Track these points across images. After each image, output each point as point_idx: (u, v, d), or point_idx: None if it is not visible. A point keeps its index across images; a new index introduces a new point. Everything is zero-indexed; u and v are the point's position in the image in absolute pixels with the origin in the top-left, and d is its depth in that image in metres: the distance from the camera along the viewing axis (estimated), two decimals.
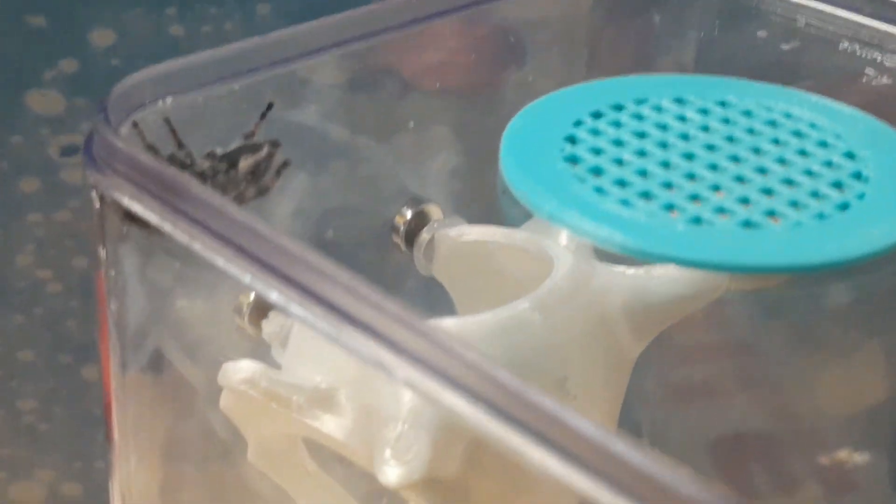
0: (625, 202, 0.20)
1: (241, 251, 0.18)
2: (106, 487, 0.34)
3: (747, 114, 0.22)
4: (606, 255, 0.21)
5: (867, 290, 0.23)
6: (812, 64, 0.26)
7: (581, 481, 0.15)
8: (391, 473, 0.20)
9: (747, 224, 0.19)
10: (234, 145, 0.22)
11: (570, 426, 0.15)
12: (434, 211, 0.27)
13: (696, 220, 0.19)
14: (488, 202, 0.26)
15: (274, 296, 0.18)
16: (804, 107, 0.22)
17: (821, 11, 0.26)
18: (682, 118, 0.22)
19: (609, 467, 0.15)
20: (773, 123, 0.22)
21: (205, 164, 0.21)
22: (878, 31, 0.25)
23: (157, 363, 0.24)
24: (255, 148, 0.22)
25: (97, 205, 0.20)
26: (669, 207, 0.20)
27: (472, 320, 0.22)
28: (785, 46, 0.26)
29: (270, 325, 0.23)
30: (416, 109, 0.28)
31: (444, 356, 0.16)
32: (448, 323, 0.22)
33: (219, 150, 0.22)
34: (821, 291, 0.22)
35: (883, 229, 0.19)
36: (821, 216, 0.20)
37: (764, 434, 0.31)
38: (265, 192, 0.23)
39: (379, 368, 0.17)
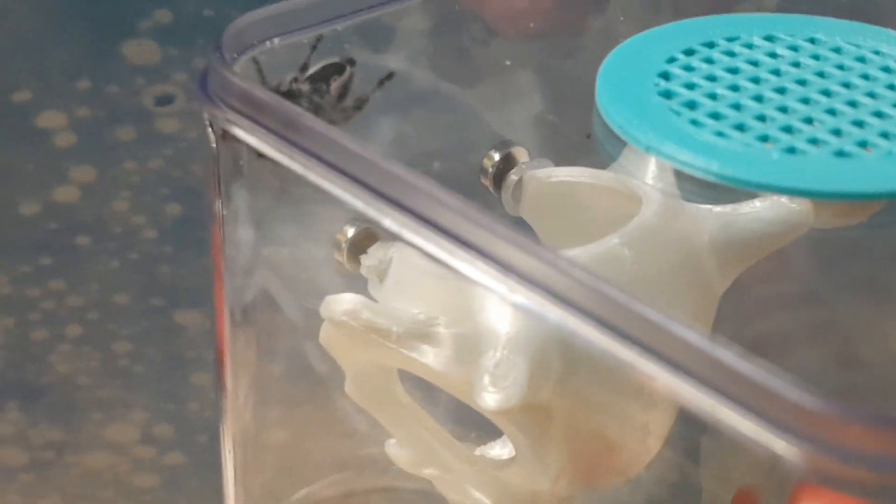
0: (720, 133, 0.20)
1: (355, 180, 0.19)
2: (198, 428, 0.35)
3: (836, 50, 0.23)
4: (694, 194, 0.22)
5: None
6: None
7: (689, 389, 0.15)
8: (490, 399, 0.20)
9: (840, 154, 0.20)
10: (314, 69, 0.23)
11: (678, 335, 0.16)
12: (521, 153, 0.28)
13: (791, 150, 0.20)
14: (575, 145, 0.27)
15: (388, 222, 0.19)
16: (892, 44, 0.23)
17: None
18: (773, 54, 0.23)
19: (717, 374, 0.16)
20: (862, 59, 0.23)
21: (304, 87, 0.23)
22: None
23: (263, 303, 0.25)
24: (339, 68, 0.23)
25: (213, 141, 0.22)
26: (764, 138, 0.20)
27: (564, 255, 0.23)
28: None
29: (370, 260, 0.24)
30: (501, 55, 0.29)
31: (554, 273, 0.17)
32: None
33: (303, 75, 0.23)
34: None
35: None
36: None
37: (840, 387, 0.32)
38: (365, 102, 0.24)
39: (489, 288, 0.18)
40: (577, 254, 0.22)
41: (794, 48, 0.23)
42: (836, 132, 0.21)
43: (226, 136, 0.21)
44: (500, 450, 0.29)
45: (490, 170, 0.27)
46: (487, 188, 0.27)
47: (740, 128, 0.21)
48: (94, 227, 0.33)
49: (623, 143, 0.22)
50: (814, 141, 0.20)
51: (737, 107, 0.21)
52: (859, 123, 0.21)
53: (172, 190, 0.34)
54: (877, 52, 0.23)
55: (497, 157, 0.27)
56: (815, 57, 0.23)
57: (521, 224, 0.27)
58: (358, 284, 0.25)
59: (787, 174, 0.19)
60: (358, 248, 0.25)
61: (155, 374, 0.36)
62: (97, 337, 0.35)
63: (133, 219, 0.34)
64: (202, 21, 0.32)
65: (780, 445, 0.15)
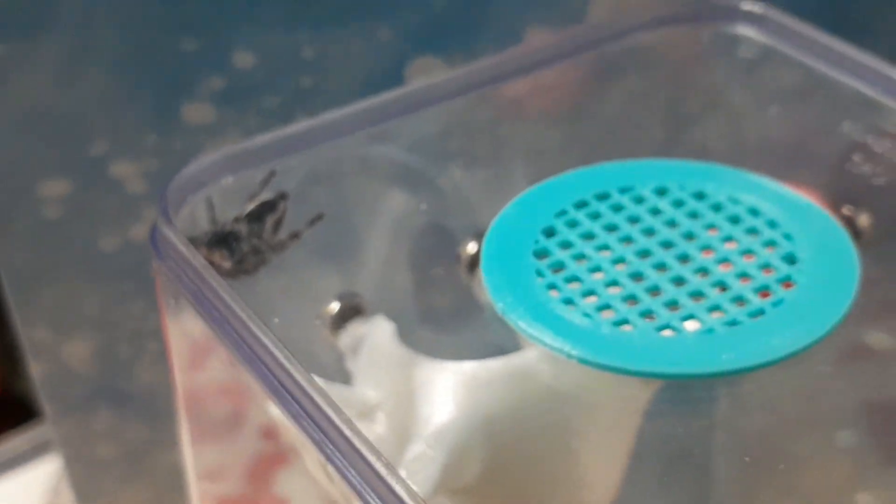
0: (568, 300, 0.25)
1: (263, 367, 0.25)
2: None
3: (716, 207, 0.27)
4: None
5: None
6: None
7: None
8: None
9: (665, 328, 0.24)
10: (251, 206, 0.28)
11: None
12: None
13: (623, 322, 0.24)
14: None
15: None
16: (772, 201, 0.27)
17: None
18: (656, 210, 0.27)
19: None
20: (734, 219, 0.26)
21: (243, 228, 0.28)
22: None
23: None
24: (272, 205, 0.29)
25: (164, 289, 0.27)
26: (605, 307, 0.25)
27: (487, 365, 0.28)
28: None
29: (345, 338, 0.30)
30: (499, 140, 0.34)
31: None
32: (468, 366, 0.28)
33: (241, 214, 0.28)
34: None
35: (781, 341, 0.24)
36: (733, 322, 0.24)
37: None
38: (297, 237, 0.29)
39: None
40: (497, 364, 0.27)
41: (679, 203, 0.27)
42: (673, 304, 0.25)
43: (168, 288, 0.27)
44: None
45: (464, 259, 0.32)
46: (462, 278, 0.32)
47: (589, 294, 0.25)
48: None
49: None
50: (648, 312, 0.25)
51: (596, 269, 0.25)
52: (698, 294, 0.25)
53: None
54: (752, 211, 0.27)
55: (473, 247, 0.32)
56: (693, 214, 0.27)
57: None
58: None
59: (607, 350, 0.24)
60: (338, 323, 0.30)
61: None
62: None
63: None
64: (253, 85, 0.37)
65: None
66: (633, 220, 0.26)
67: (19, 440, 0.52)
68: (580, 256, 0.25)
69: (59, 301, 0.39)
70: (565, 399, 0.27)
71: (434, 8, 0.36)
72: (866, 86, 0.29)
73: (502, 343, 0.30)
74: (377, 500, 0.21)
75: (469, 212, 0.32)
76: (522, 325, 0.24)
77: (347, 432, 0.22)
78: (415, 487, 0.23)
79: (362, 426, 0.25)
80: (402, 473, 0.24)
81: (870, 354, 0.31)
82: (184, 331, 0.28)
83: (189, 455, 0.30)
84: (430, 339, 0.30)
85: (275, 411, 0.26)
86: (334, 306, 0.30)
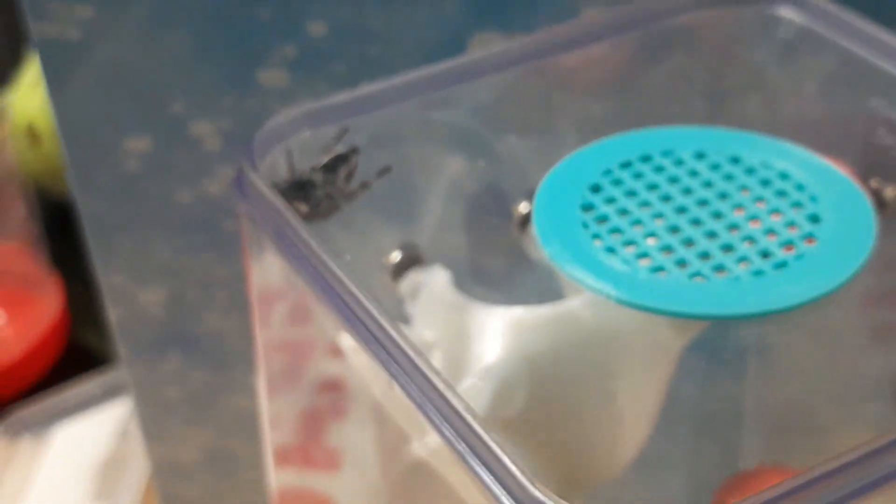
0: (611, 249, 0.28)
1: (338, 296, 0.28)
2: None
3: (749, 171, 0.30)
4: None
5: None
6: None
7: None
8: None
9: (696, 275, 0.27)
10: (326, 158, 0.31)
11: None
12: None
13: (658, 269, 0.28)
14: None
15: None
16: (800, 166, 0.30)
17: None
18: (694, 172, 0.30)
19: None
20: (765, 182, 0.29)
21: (318, 178, 0.31)
22: None
23: None
24: (344, 158, 0.32)
25: (247, 231, 0.31)
26: (642, 256, 0.28)
27: (534, 310, 0.31)
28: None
29: (405, 284, 0.33)
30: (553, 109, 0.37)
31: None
32: (516, 311, 0.31)
33: (317, 164, 0.31)
34: None
35: (799, 290, 0.27)
36: (758, 272, 0.27)
37: None
38: (368, 187, 0.32)
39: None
40: (544, 310, 0.30)
41: (716, 166, 0.30)
42: (705, 254, 0.28)
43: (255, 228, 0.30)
44: None
45: (517, 217, 0.35)
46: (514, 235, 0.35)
47: (629, 244, 0.28)
48: (237, 214, 0.43)
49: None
50: (682, 262, 0.28)
51: (636, 223, 0.28)
52: (728, 247, 0.28)
53: None
54: (783, 175, 0.30)
55: (525, 206, 0.35)
56: (728, 177, 0.30)
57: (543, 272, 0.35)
58: None
59: (643, 293, 0.27)
60: (399, 271, 0.33)
61: None
62: (240, 300, 0.44)
63: None
64: (323, 53, 0.40)
65: None
66: (673, 180, 0.29)
67: (89, 386, 0.56)
68: (623, 211, 0.28)
69: (135, 250, 0.42)
70: (603, 343, 0.30)
71: None
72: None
73: (548, 296, 0.33)
74: (438, 415, 0.24)
75: (521, 175, 0.35)
76: (568, 269, 0.27)
77: (413, 356, 0.25)
78: None
79: None
80: None
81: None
82: (264, 270, 0.31)
83: (263, 396, 0.33)
84: (483, 290, 0.33)
85: (346, 342, 0.29)
86: (396, 255, 0.33)
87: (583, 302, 0.30)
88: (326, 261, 0.27)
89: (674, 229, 0.28)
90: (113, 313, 0.42)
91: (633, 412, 0.31)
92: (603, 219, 0.28)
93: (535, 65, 0.35)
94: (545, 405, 0.30)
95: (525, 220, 0.34)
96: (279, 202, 0.28)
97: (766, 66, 0.34)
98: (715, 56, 0.35)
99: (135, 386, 0.44)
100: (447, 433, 0.24)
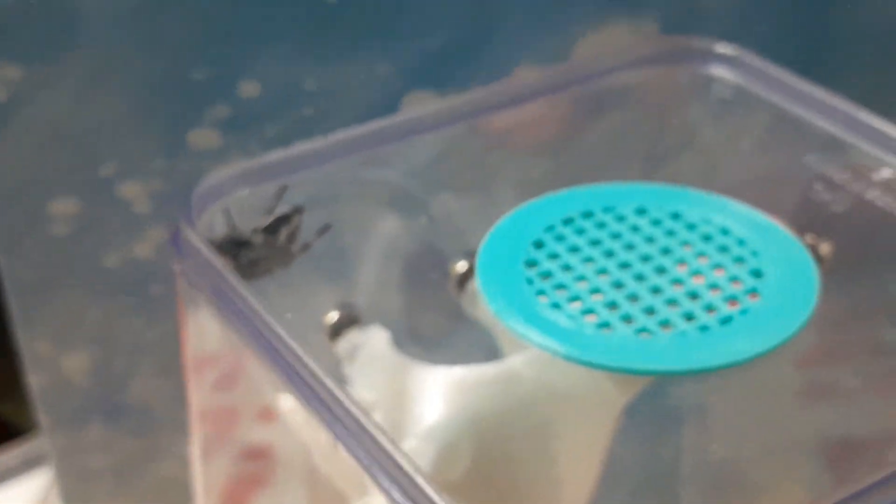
0: (556, 305, 0.28)
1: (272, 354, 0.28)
2: None
3: (690, 227, 0.30)
4: None
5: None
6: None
7: None
8: None
9: (642, 331, 0.27)
10: (268, 221, 0.31)
11: None
12: None
13: (605, 325, 0.28)
14: None
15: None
16: (740, 222, 0.30)
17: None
18: (636, 228, 0.30)
19: None
20: (707, 237, 0.29)
21: (258, 239, 0.31)
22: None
23: None
24: (287, 218, 0.32)
25: (183, 291, 0.30)
26: (588, 312, 0.28)
27: (476, 369, 0.31)
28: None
29: (343, 345, 0.33)
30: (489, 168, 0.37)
31: None
32: (458, 370, 0.31)
33: (258, 226, 0.31)
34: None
35: (746, 345, 0.27)
36: (704, 328, 0.28)
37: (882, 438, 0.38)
38: (308, 249, 0.32)
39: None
40: (487, 369, 0.30)
41: (657, 222, 0.30)
42: (650, 310, 0.28)
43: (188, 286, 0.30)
44: None
45: (455, 276, 0.34)
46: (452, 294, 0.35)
47: (574, 299, 0.28)
48: (167, 277, 0.42)
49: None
50: (627, 318, 0.28)
51: (580, 279, 0.28)
52: (673, 301, 0.28)
53: None
54: (724, 231, 0.30)
55: (463, 265, 0.35)
56: (670, 233, 0.30)
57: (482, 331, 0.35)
58: None
59: (591, 349, 0.27)
60: (337, 332, 0.33)
61: None
62: (168, 366, 0.43)
63: None
64: (256, 115, 0.40)
65: None
66: (615, 236, 0.29)
67: (5, 457, 0.55)
68: (567, 267, 0.28)
69: (60, 315, 0.42)
70: (547, 401, 0.30)
71: (431, 46, 0.39)
72: (831, 123, 0.32)
73: (487, 355, 0.33)
74: (386, 476, 0.24)
75: (459, 234, 0.35)
76: (513, 325, 0.27)
77: (359, 415, 0.25)
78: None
79: None
80: None
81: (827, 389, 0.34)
82: (199, 331, 0.30)
83: (197, 464, 0.33)
84: (421, 350, 0.33)
85: (285, 403, 0.29)
86: (333, 315, 0.33)
87: (525, 360, 0.30)
88: (267, 319, 0.26)
89: (618, 285, 0.28)
90: (34, 381, 0.41)
91: (576, 471, 0.31)
92: (547, 275, 0.28)
93: (470, 124, 0.35)
94: (488, 465, 0.30)
95: (464, 278, 0.34)
96: (217, 259, 0.28)
97: (702, 125, 0.35)
98: (651, 115, 0.35)
99: (56, 456, 0.43)
100: (396, 495, 0.23)
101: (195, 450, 0.32)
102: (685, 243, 0.29)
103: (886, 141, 0.31)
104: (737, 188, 0.31)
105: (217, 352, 0.31)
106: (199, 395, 0.31)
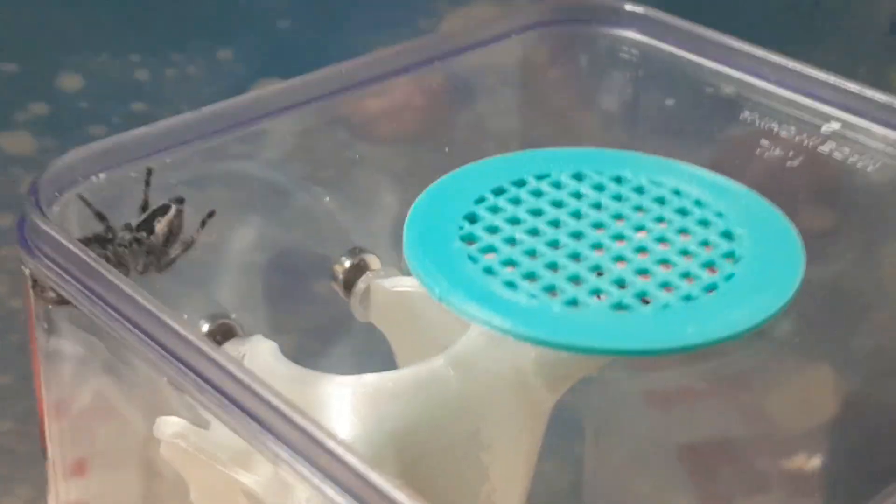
0: (510, 284, 0.23)
1: (149, 337, 0.22)
2: None
3: (638, 190, 0.26)
4: None
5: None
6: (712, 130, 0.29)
7: None
8: None
9: (619, 306, 0.23)
10: (144, 215, 0.26)
11: None
12: (373, 261, 0.30)
13: (573, 303, 0.23)
14: None
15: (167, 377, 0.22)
16: (693, 183, 0.26)
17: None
18: (578, 194, 0.26)
19: None
20: (661, 200, 0.25)
21: (126, 237, 0.25)
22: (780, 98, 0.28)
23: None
24: (164, 209, 0.26)
25: (29, 284, 0.24)
26: (550, 289, 0.23)
27: (390, 376, 0.26)
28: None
29: None
30: (361, 160, 0.32)
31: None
32: (369, 378, 0.25)
33: (133, 222, 0.25)
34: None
35: (743, 313, 0.23)
36: (688, 297, 0.23)
37: (732, 439, 0.35)
38: (190, 245, 0.26)
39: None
40: (404, 374, 0.25)
41: (600, 187, 0.26)
42: (620, 282, 0.23)
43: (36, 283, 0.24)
44: None
45: (340, 276, 0.29)
46: (339, 294, 0.30)
47: (531, 276, 0.23)
48: None
49: None
50: (597, 292, 0.23)
51: (532, 253, 0.24)
52: (644, 271, 0.23)
53: None
54: (676, 192, 0.26)
55: (347, 263, 0.30)
56: (617, 198, 0.25)
57: (372, 331, 0.30)
58: None
59: (564, 329, 0.22)
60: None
61: (39, 451, 0.38)
62: None
63: (11, 302, 0.37)
64: (79, 113, 0.34)
65: None
66: (557, 204, 0.25)
67: None
68: (511, 241, 0.24)
69: None
70: (473, 406, 0.25)
71: (277, 31, 0.34)
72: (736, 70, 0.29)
73: (385, 361, 0.28)
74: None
75: (338, 230, 0.31)
76: (467, 310, 0.22)
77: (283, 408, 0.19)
78: None
79: (244, 474, 0.24)
80: None
81: None
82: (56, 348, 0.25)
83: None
84: (312, 361, 0.28)
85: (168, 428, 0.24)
86: (203, 326, 0.27)
87: (447, 361, 0.25)
88: (148, 307, 0.21)
89: (576, 256, 0.24)
90: None
91: (509, 479, 0.26)
92: (490, 250, 0.24)
93: (330, 111, 0.30)
94: (415, 484, 0.25)
95: (349, 277, 0.29)
96: (82, 250, 0.22)
97: (610, 85, 0.31)
98: (558, 82, 0.31)
99: None
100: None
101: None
102: (638, 208, 0.25)
103: (809, 86, 0.28)
104: (667, 150, 0.27)
105: (78, 374, 0.25)
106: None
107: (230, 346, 0.27)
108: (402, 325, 0.29)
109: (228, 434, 0.24)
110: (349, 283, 0.30)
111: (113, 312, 0.22)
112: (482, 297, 0.23)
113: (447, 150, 0.30)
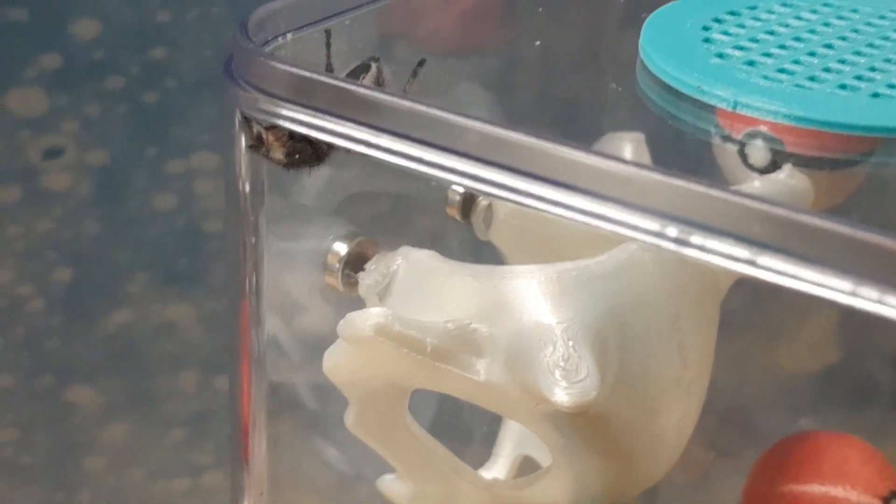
0: (766, 77, 0.22)
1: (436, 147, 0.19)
2: None
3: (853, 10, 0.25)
4: None
5: None
6: None
7: None
8: (565, 395, 0.20)
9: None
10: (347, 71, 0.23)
11: None
12: None
13: (843, 87, 0.22)
14: None
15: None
16: None
17: None
18: (814, 10, 0.25)
19: None
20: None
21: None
22: None
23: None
24: (365, 68, 0.23)
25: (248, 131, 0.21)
26: (812, 78, 0.22)
27: (590, 262, 0.23)
28: None
29: (369, 278, 0.23)
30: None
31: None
32: (564, 266, 0.22)
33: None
34: None
35: None
36: None
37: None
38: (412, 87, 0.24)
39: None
40: (602, 260, 0.22)
41: (813, 10, 0.25)
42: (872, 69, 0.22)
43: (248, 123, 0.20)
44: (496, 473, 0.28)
45: (458, 197, 0.26)
46: (454, 217, 0.27)
47: (784, 71, 0.22)
48: None
49: (670, 93, 0.22)
50: (859, 78, 0.22)
51: (782, 47, 0.22)
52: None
53: (61, 254, 0.32)
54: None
55: None
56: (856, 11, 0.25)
57: (490, 249, 0.26)
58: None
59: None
60: (354, 267, 0.24)
61: (43, 463, 0.33)
62: None
63: (18, 289, 0.32)
64: (94, 64, 0.31)
65: None
66: (797, 17, 0.25)
67: None
68: (755, 40, 0.23)
69: None
70: (672, 289, 0.23)
71: None
72: None
73: None
74: None
75: None
76: (762, 106, 0.21)
77: None
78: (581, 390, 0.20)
79: (460, 357, 0.21)
80: (558, 375, 0.20)
81: None
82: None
83: None
84: None
85: None
86: (340, 247, 0.24)
87: (640, 245, 0.23)
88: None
89: (828, 47, 0.22)
90: None
91: (702, 365, 0.24)
92: (741, 49, 0.22)
93: None
94: (629, 367, 0.23)
95: (467, 201, 0.27)
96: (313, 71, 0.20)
97: None
98: None
99: None
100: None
101: None
102: (881, 17, 0.24)
103: None
104: None
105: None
106: None
107: (374, 265, 0.23)
108: (525, 241, 0.27)
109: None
110: (469, 202, 0.27)
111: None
112: (745, 89, 0.22)
113: None
